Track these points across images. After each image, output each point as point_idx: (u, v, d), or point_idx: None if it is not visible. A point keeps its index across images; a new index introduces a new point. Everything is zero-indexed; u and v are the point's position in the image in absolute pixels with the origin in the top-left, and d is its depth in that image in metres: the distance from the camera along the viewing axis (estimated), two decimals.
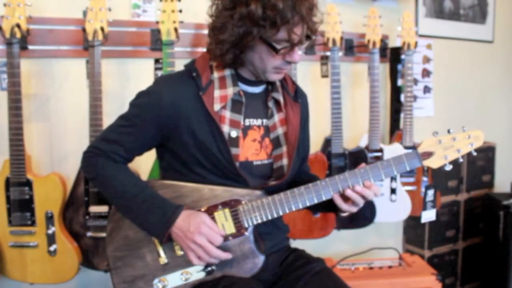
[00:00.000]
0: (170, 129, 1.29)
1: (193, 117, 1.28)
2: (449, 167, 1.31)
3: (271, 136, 1.38)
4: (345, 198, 1.29)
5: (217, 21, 1.27)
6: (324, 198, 1.27)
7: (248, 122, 1.35)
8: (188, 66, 1.36)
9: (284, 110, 1.40)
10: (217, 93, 1.31)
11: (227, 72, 1.33)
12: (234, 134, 1.30)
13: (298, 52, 1.28)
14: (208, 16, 1.30)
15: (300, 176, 1.45)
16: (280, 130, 1.38)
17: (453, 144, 1.29)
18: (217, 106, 1.29)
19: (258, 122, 1.37)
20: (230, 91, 1.31)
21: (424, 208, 1.49)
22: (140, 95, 1.33)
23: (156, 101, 1.28)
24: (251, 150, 1.34)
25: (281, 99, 1.40)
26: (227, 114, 1.31)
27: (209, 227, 1.23)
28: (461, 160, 1.32)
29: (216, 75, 1.32)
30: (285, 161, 1.37)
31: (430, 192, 1.49)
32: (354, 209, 1.30)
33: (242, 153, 1.33)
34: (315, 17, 1.27)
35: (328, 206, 1.34)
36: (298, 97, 1.44)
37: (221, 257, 1.25)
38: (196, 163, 1.30)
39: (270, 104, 1.39)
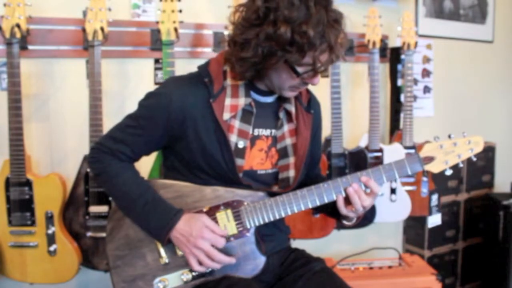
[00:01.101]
0: (177, 132, 1.28)
1: (201, 124, 1.26)
2: (449, 172, 1.33)
3: (278, 147, 1.36)
4: (347, 202, 1.28)
5: (239, 36, 1.21)
6: (326, 201, 1.27)
7: (257, 132, 1.33)
8: (201, 69, 1.32)
9: (295, 120, 1.38)
10: (228, 101, 1.28)
11: (241, 82, 1.30)
12: (241, 144, 1.29)
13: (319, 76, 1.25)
14: (230, 22, 1.25)
15: (309, 178, 1.44)
16: (288, 141, 1.36)
17: (453, 149, 1.31)
18: (226, 115, 1.27)
19: (267, 132, 1.35)
20: (241, 101, 1.28)
21: (430, 213, 1.50)
22: (149, 96, 1.31)
23: (165, 104, 1.26)
24: (256, 160, 1.33)
25: (292, 110, 1.37)
26: (236, 123, 1.29)
27: (211, 231, 1.22)
28: (461, 165, 1.34)
29: (229, 82, 1.29)
30: (291, 173, 1.35)
31: (434, 197, 1.49)
32: (352, 215, 1.30)
33: (247, 163, 1.31)
34: (341, 43, 1.22)
35: (331, 210, 1.34)
36: (311, 107, 1.42)
37: (224, 262, 1.23)
38: (199, 168, 1.29)
39: (281, 114, 1.36)
